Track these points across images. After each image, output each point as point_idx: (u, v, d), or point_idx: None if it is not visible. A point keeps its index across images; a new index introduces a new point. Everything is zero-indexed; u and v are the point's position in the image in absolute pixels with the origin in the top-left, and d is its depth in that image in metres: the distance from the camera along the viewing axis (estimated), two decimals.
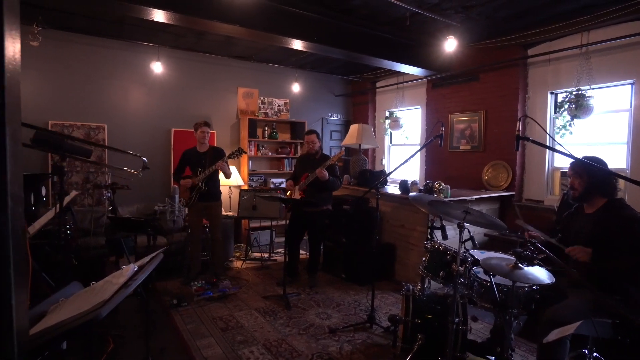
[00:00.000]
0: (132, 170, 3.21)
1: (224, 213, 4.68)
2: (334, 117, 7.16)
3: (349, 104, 7.38)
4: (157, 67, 5.12)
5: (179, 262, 4.52)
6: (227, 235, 4.89)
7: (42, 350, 0.89)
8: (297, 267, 4.42)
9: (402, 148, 6.63)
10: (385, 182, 4.89)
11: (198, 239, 4.20)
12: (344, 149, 4.27)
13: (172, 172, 5.28)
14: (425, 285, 2.82)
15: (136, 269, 1.25)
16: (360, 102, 7.21)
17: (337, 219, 4.57)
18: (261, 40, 4.71)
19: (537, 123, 2.38)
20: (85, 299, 1.17)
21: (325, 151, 6.89)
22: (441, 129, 2.88)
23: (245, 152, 4.56)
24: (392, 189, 4.89)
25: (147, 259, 1.40)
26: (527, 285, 2.11)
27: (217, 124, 5.79)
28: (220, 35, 4.96)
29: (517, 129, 1.87)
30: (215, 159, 4.02)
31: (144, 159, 3.06)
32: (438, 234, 2.86)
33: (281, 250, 5.56)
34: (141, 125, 5.28)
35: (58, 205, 2.15)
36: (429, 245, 2.61)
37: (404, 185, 4.36)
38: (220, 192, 4.25)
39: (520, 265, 1.96)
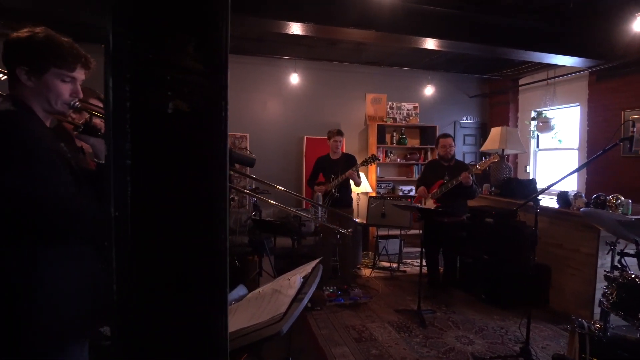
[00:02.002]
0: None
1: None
2: (468, 120, 6.58)
3: (485, 105, 6.71)
4: (294, 79, 5.43)
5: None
6: (356, 242, 4.87)
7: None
8: (439, 281, 4.11)
9: (552, 153, 5.70)
10: (535, 193, 4.23)
11: (329, 244, 4.27)
12: (496, 154, 3.81)
13: (304, 177, 5.53)
14: (607, 325, 2.27)
15: (302, 280, 1.23)
16: (499, 103, 6.47)
17: (476, 232, 4.13)
18: (393, 43, 4.59)
19: None
20: (257, 306, 1.19)
21: (459, 156, 6.39)
22: (631, 130, 2.29)
23: (378, 160, 4.47)
24: (545, 201, 4.20)
25: (307, 268, 1.37)
26: None
27: (345, 130, 5.83)
28: (351, 42, 5.02)
29: None
30: (347, 166, 4.04)
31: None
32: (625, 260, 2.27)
33: (410, 260, 5.31)
34: (277, 133, 5.67)
35: None
36: (618, 276, 2.09)
37: (563, 197, 3.68)
38: (351, 199, 4.26)
39: None
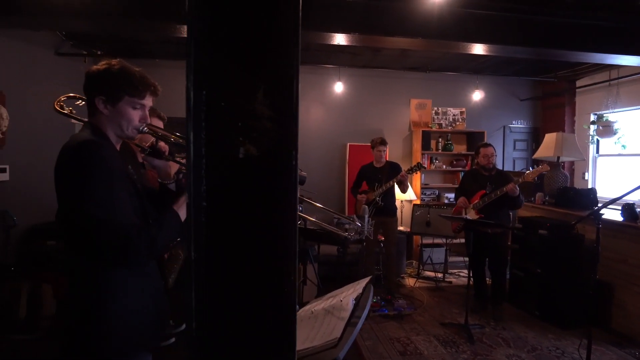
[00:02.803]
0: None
1: (398, 228, 4.62)
2: (519, 125, 6.28)
3: (537, 108, 6.36)
4: (339, 87, 5.47)
5: (353, 273, 4.67)
6: (400, 251, 4.81)
7: None
8: (486, 294, 3.95)
9: (614, 160, 5.30)
10: (596, 205, 3.95)
11: (372, 252, 4.25)
12: (545, 164, 3.62)
13: (347, 185, 5.54)
14: None
15: (354, 302, 1.24)
16: (553, 106, 6.11)
17: (528, 244, 3.92)
18: (440, 49, 4.50)
19: None
20: (310, 327, 1.22)
21: (509, 163, 6.13)
22: None
23: (425, 168, 4.39)
24: (607, 212, 3.91)
25: (358, 288, 1.39)
26: None
27: (389, 137, 5.79)
28: (396, 49, 4.97)
29: None
30: (392, 174, 4.01)
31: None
32: None
33: (456, 271, 5.15)
34: (320, 140, 5.72)
35: None
36: None
37: (629, 210, 3.41)
38: (396, 208, 4.22)
39: None
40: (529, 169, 3.93)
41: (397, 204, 5.14)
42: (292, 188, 0.69)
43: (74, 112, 1.52)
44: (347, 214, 5.43)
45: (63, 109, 1.46)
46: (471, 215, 3.73)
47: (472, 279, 3.65)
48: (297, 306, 1.57)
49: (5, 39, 3.80)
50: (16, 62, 3.98)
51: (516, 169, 6.05)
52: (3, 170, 3.78)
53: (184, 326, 2.13)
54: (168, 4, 3.37)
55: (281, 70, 0.69)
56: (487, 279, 3.97)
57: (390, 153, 5.76)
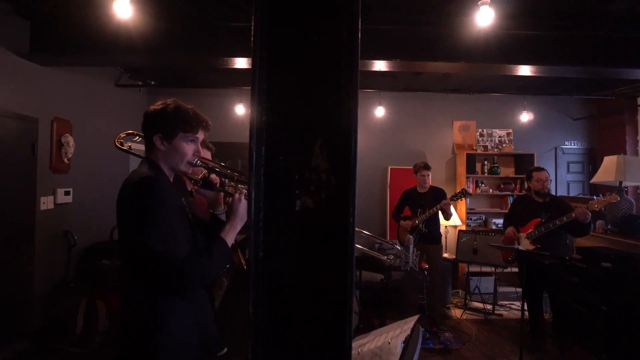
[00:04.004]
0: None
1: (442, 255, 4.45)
2: (572, 146, 5.92)
3: (592, 128, 5.98)
4: (380, 111, 5.46)
5: (395, 301, 4.51)
6: (445, 280, 4.60)
7: None
8: (543, 333, 3.64)
9: None
10: None
11: (416, 281, 4.10)
12: (614, 194, 3.32)
13: (388, 209, 5.45)
14: None
15: (403, 345, 1.19)
16: (612, 125, 5.71)
17: (589, 276, 3.61)
18: (484, 72, 4.40)
19: None
20: None
21: (562, 186, 5.77)
22: None
23: (470, 193, 4.22)
24: None
25: (406, 328, 1.33)
26: None
27: (432, 160, 5.67)
28: (437, 72, 4.92)
29: None
30: (435, 200, 3.89)
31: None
32: None
33: (507, 302, 4.83)
34: (361, 164, 5.64)
35: None
36: None
37: None
38: (440, 235, 4.07)
39: None
40: (593, 196, 3.66)
41: (442, 229, 4.97)
42: (348, 244, 0.68)
43: (132, 148, 1.62)
44: (388, 239, 5.32)
45: (122, 145, 1.56)
46: (525, 245, 3.49)
47: (526, 312, 3.40)
48: None
49: (73, 74, 4.19)
50: (82, 94, 4.36)
51: (571, 194, 5.67)
52: (67, 193, 4.09)
53: (225, 350, 2.16)
54: (211, 39, 3.59)
55: (338, 123, 0.70)
56: (544, 313, 3.68)
57: (433, 176, 5.59)
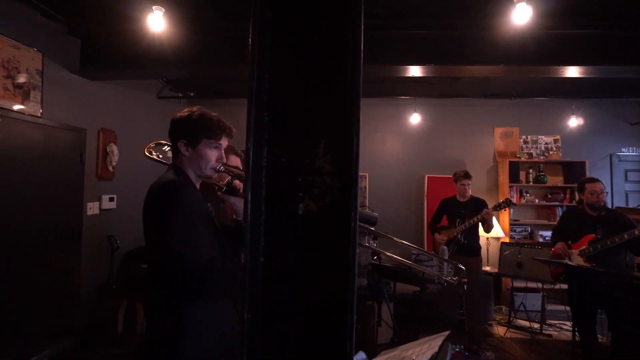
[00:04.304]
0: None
1: (482, 269, 4.21)
2: (630, 152, 5.44)
3: None
4: (415, 119, 5.33)
5: (432, 315, 4.32)
6: (486, 295, 4.35)
7: None
8: (597, 355, 3.30)
9: None
10: None
11: (454, 294, 3.90)
12: None
13: (425, 219, 5.27)
14: None
15: None
16: None
17: None
18: (527, 75, 4.16)
19: None
20: None
21: (620, 197, 5.31)
22: None
23: (514, 203, 3.98)
24: None
25: (434, 344, 1.24)
26: None
27: (471, 168, 5.41)
28: (475, 77, 4.73)
29: None
30: (476, 210, 3.70)
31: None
32: None
33: (557, 322, 4.47)
34: (397, 172, 5.57)
35: None
36: None
37: None
38: (480, 247, 3.86)
39: None
40: None
41: (482, 241, 4.73)
42: (350, 250, 0.63)
43: (160, 156, 1.66)
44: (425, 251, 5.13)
45: (152, 154, 1.60)
46: (577, 263, 3.20)
47: (577, 334, 3.11)
48: (363, 353, 1.46)
49: (118, 87, 4.44)
50: (126, 106, 4.61)
51: (630, 205, 5.20)
52: (112, 200, 4.32)
53: None
54: (242, 50, 3.67)
55: (342, 124, 0.65)
56: (598, 335, 3.35)
57: (473, 186, 5.36)
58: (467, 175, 3.86)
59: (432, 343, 1.31)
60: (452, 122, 5.56)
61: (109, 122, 4.27)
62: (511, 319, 4.47)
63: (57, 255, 3.62)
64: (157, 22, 2.92)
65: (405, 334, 3.92)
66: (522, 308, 4.50)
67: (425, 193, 5.40)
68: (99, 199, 4.15)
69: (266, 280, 0.66)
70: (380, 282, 3.77)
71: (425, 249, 5.18)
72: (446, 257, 2.36)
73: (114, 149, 4.29)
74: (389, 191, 5.47)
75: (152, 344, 1.32)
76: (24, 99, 3.25)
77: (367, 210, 2.57)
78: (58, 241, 3.61)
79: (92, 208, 4.03)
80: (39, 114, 3.39)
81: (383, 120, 5.63)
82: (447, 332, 1.35)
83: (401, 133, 5.62)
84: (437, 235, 3.95)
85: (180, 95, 5.43)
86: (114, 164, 4.30)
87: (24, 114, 3.24)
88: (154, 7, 2.95)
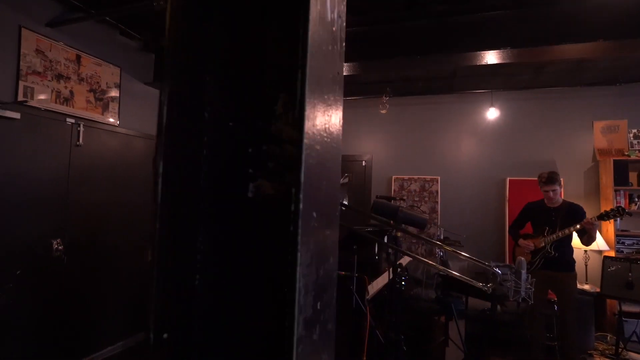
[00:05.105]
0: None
1: (578, 287, 3.55)
2: None
3: None
4: (492, 113, 4.81)
5: (513, 337, 3.76)
6: (584, 319, 3.65)
7: None
8: None
9: None
10: None
11: (541, 315, 3.33)
12: None
13: (506, 226, 4.67)
14: None
15: None
16: None
17: None
18: (633, 53, 3.45)
19: None
20: None
21: None
22: None
23: (629, 214, 3.28)
24: None
25: None
26: None
27: (563, 170, 4.69)
28: (566, 62, 4.08)
29: None
30: (570, 219, 3.12)
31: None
32: None
33: None
34: (472, 175, 5.06)
35: (391, 270, 2.15)
36: None
37: None
38: (574, 261, 3.24)
39: None
40: None
41: (578, 253, 4.02)
42: (290, 244, 0.44)
43: None
44: (507, 262, 4.53)
45: None
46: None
47: None
48: None
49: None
50: None
51: None
52: None
53: None
54: None
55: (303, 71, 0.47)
56: None
57: (565, 190, 4.64)
58: (550, 180, 3.25)
59: None
60: (538, 117, 4.88)
61: None
62: (619, 350, 3.68)
63: (135, 256, 3.88)
64: None
65: (477, 357, 3.45)
66: (634, 338, 3.69)
67: (507, 198, 4.80)
68: None
69: (205, 289, 0.51)
70: (447, 297, 3.37)
71: (508, 260, 4.57)
72: (524, 271, 1.95)
73: None
74: (463, 195, 4.99)
75: None
76: (104, 110, 3.57)
77: (417, 212, 2.29)
78: (137, 242, 3.88)
79: None
80: (117, 124, 3.69)
81: (456, 118, 5.17)
82: None
83: (477, 132, 5.09)
84: (521, 241, 3.42)
85: None
86: None
87: (103, 123, 3.55)
88: None
